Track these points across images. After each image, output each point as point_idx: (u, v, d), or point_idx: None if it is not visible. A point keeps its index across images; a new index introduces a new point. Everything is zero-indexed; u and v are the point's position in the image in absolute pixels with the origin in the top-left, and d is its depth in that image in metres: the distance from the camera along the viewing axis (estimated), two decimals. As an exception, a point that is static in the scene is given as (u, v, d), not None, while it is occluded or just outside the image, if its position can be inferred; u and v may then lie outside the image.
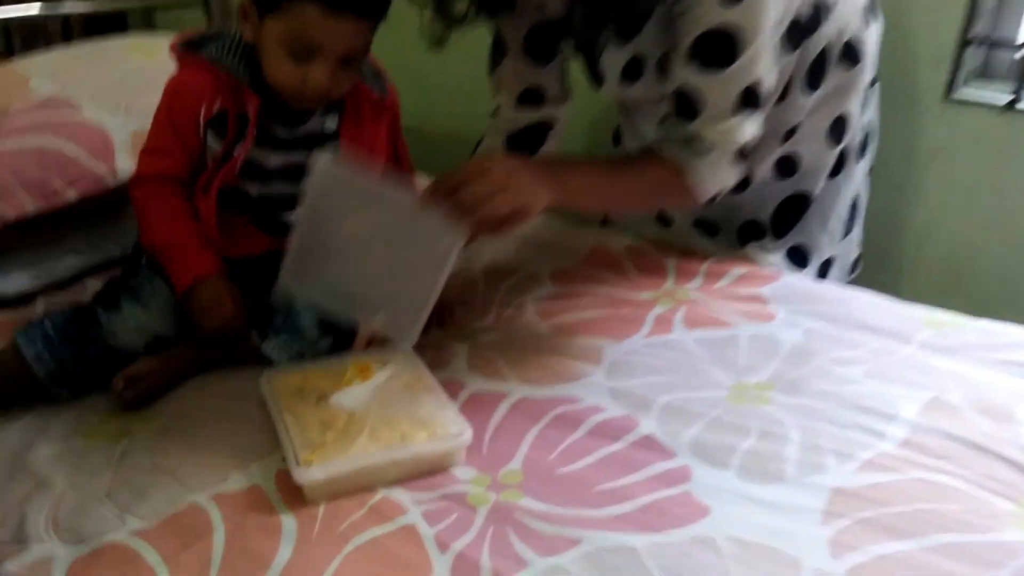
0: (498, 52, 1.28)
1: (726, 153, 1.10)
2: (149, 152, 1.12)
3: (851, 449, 0.92)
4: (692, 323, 1.18)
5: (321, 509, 0.86)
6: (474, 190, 0.92)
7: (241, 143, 1.07)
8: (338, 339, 1.14)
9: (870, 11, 1.24)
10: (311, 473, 0.86)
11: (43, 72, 1.38)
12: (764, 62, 1.06)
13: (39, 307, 1.24)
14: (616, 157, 1.13)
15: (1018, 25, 1.51)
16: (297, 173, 1.11)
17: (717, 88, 1.06)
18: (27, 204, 1.23)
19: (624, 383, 1.06)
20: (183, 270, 1.07)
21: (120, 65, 1.45)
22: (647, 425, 0.97)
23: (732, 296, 1.25)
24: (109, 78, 1.40)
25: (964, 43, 1.48)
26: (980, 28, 1.49)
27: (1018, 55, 1.49)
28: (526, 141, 1.32)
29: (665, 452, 0.93)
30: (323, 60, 1.01)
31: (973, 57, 1.53)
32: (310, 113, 1.11)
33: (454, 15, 1.15)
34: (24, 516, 0.87)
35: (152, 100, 1.34)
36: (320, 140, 1.12)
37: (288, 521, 0.85)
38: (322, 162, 0.94)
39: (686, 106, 1.08)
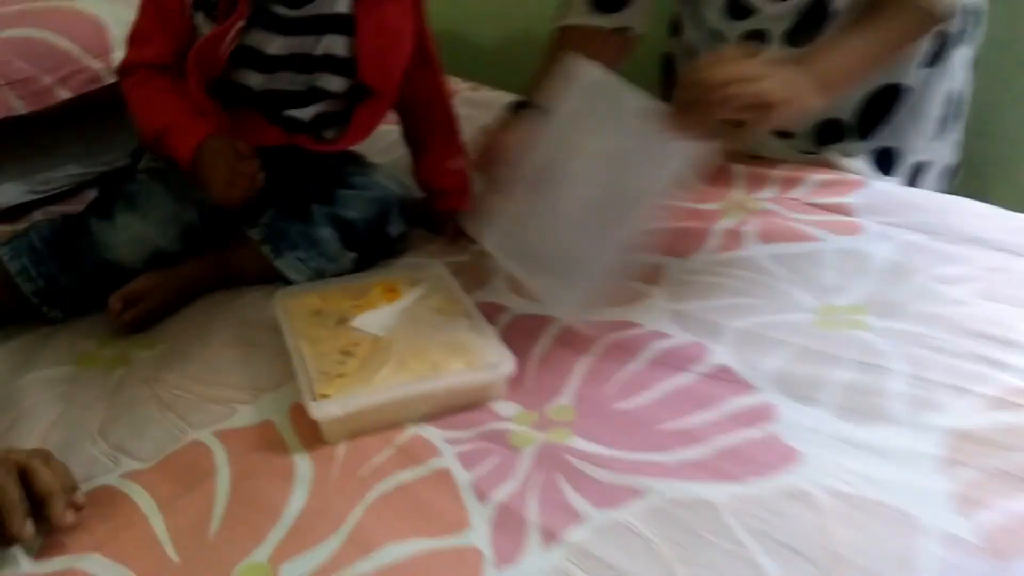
0: None
1: None
2: (135, 37, 0.98)
3: (969, 383, 0.76)
4: (767, 237, 1.02)
5: (340, 449, 0.74)
6: (730, 74, 0.78)
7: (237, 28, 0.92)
8: (363, 255, 1.00)
9: None
10: (328, 408, 0.74)
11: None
12: None
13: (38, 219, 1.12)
14: (853, 23, 0.94)
15: None
16: (303, 63, 0.97)
17: None
18: (14, 103, 1.10)
19: (690, 305, 0.91)
20: (183, 141, 0.92)
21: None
22: (720, 354, 0.83)
23: (812, 206, 1.08)
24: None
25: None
26: None
27: None
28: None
29: (743, 385, 0.79)
30: None
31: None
32: None
33: None
34: (6, 453, 0.76)
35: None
36: (330, 23, 0.96)
37: (302, 463, 0.73)
38: (586, 69, 0.78)
39: None
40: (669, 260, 1.00)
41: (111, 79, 1.16)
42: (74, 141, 1.21)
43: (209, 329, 0.91)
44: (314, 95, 1.00)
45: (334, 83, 1.00)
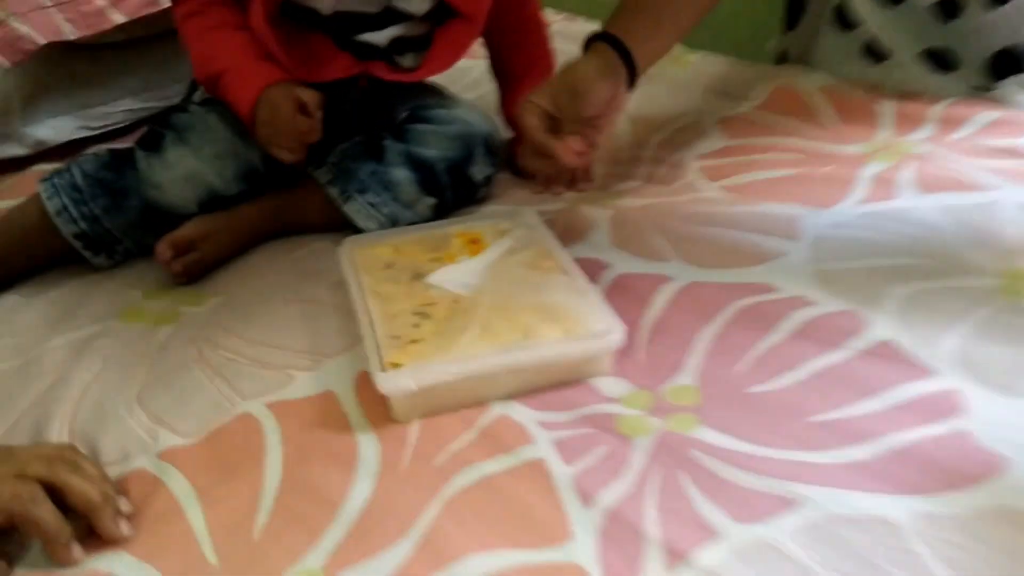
0: None
1: None
2: None
3: None
4: (927, 185, 0.84)
5: (412, 430, 0.61)
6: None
7: None
8: (443, 200, 0.87)
9: None
10: (400, 380, 0.61)
11: None
12: None
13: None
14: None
15: None
16: None
17: None
18: (63, 26, 0.99)
19: (837, 266, 0.75)
20: (242, 89, 0.80)
21: None
22: (881, 326, 0.66)
23: (982, 150, 0.89)
24: None
25: None
26: None
27: None
28: None
29: (916, 367, 0.62)
30: None
31: None
32: None
33: None
34: (38, 422, 0.66)
35: None
36: None
37: (367, 446, 0.60)
38: None
39: None
40: (806, 211, 0.83)
41: (167, 2, 1.04)
42: (131, 73, 1.10)
43: (267, 282, 0.80)
44: (391, 16, 0.86)
45: (413, 3, 0.86)
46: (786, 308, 0.70)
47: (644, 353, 0.67)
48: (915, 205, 0.82)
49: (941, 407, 0.59)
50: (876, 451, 0.56)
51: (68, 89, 1.06)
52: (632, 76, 0.79)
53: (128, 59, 1.10)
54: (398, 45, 0.88)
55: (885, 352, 0.64)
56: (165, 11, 1.05)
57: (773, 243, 0.79)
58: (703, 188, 0.90)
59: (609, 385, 0.64)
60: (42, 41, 0.98)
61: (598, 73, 0.76)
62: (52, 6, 0.98)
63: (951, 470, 0.54)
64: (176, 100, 1.11)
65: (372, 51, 0.88)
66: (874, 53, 1.06)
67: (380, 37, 0.87)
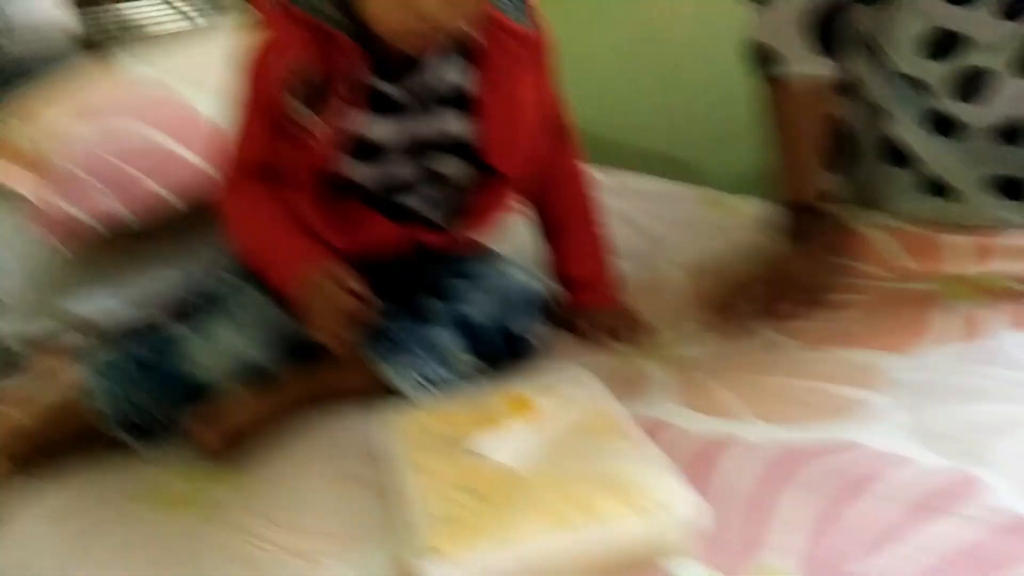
0: None
1: None
2: (235, 139, 0.84)
3: None
4: (1021, 323, 0.76)
5: (460, 631, 0.53)
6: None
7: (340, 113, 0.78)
8: (489, 363, 0.81)
9: None
10: (442, 569, 0.53)
11: (145, 60, 1.16)
12: None
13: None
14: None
15: None
16: (418, 146, 0.81)
17: None
18: (118, 209, 0.99)
19: (933, 415, 0.66)
20: (284, 265, 0.78)
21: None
22: (1000, 490, 0.57)
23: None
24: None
25: None
26: None
27: None
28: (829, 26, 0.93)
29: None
30: None
31: None
32: (425, 60, 0.80)
33: None
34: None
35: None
36: (442, 97, 0.81)
37: (408, 652, 0.52)
38: None
39: None
40: (883, 356, 0.76)
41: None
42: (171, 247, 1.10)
43: (300, 457, 0.73)
44: (433, 180, 0.85)
45: (450, 165, 0.85)
46: (880, 467, 0.62)
47: (722, 527, 0.59)
48: (1013, 344, 0.74)
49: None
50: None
51: (108, 266, 1.05)
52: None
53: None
54: (437, 209, 0.86)
55: (1013, 522, 0.55)
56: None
57: (853, 393, 0.71)
58: (769, 335, 0.84)
59: (686, 568, 0.56)
60: (94, 223, 0.98)
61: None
62: (103, 187, 0.99)
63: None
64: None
65: (412, 215, 0.86)
66: (933, 186, 1.01)
67: (418, 202, 0.85)
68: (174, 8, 1.58)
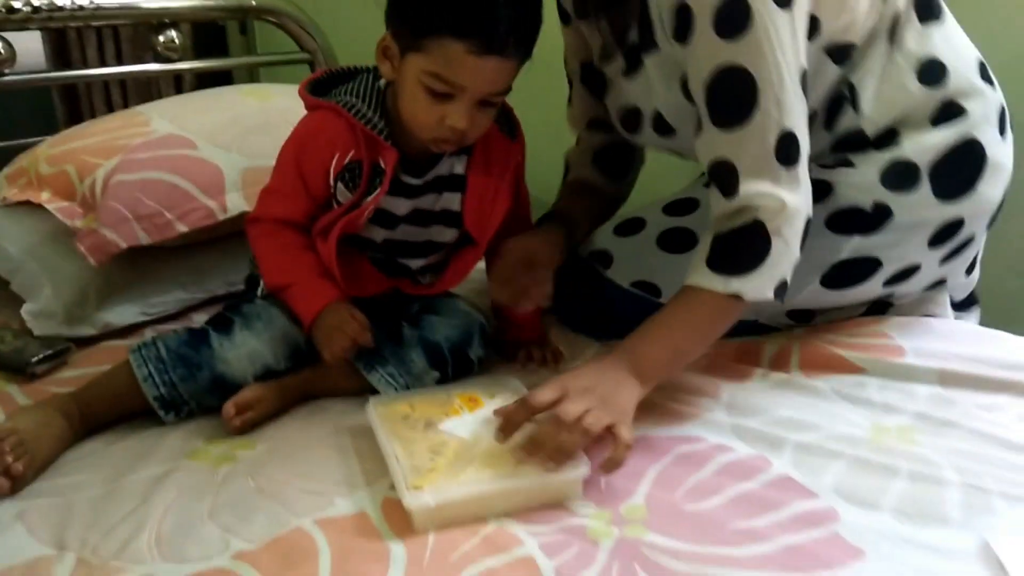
0: (570, 88, 1.28)
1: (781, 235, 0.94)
2: (271, 193, 1.09)
3: (1020, 491, 0.82)
4: (809, 366, 1.09)
5: (431, 537, 0.80)
6: (556, 439, 0.86)
7: (372, 194, 1.03)
8: (445, 375, 1.09)
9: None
10: (421, 498, 0.81)
11: (163, 114, 1.42)
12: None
13: (147, 337, 1.24)
14: (667, 309, 0.97)
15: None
16: (423, 217, 1.09)
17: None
18: (140, 234, 1.24)
19: (749, 421, 0.98)
20: (307, 304, 1.04)
21: (234, 108, 1.48)
22: (781, 465, 0.89)
23: (854, 335, 1.15)
24: (223, 119, 1.42)
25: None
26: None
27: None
28: (615, 158, 1.28)
29: (806, 492, 0.85)
30: (463, 100, 0.94)
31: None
32: (440, 157, 1.06)
33: None
34: (128, 534, 0.83)
35: (264, 140, 1.38)
36: (448, 183, 1.08)
37: (397, 548, 0.79)
38: None
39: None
40: (723, 381, 1.08)
41: (223, 216, 1.31)
42: (182, 269, 1.35)
43: (307, 432, 1.00)
44: (429, 246, 1.13)
45: (446, 234, 1.12)
46: (711, 453, 0.93)
47: (605, 483, 0.88)
48: (804, 378, 1.07)
49: (821, 517, 0.81)
50: (773, 547, 0.77)
51: (132, 282, 1.29)
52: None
53: (181, 259, 1.35)
54: (425, 267, 1.14)
55: (784, 484, 0.87)
56: (215, 225, 1.32)
57: (701, 404, 1.03)
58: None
59: (579, 506, 0.85)
60: (124, 245, 1.23)
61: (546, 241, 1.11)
62: (133, 219, 1.24)
63: (825, 559, 0.75)
64: (217, 292, 1.36)
65: (403, 270, 1.13)
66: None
67: (416, 263, 1.13)
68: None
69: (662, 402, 1.03)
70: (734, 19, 0.91)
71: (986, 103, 1.09)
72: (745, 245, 0.94)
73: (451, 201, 1.09)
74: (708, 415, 1.01)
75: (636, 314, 1.06)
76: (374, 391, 1.05)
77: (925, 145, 1.06)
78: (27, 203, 1.32)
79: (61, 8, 1.61)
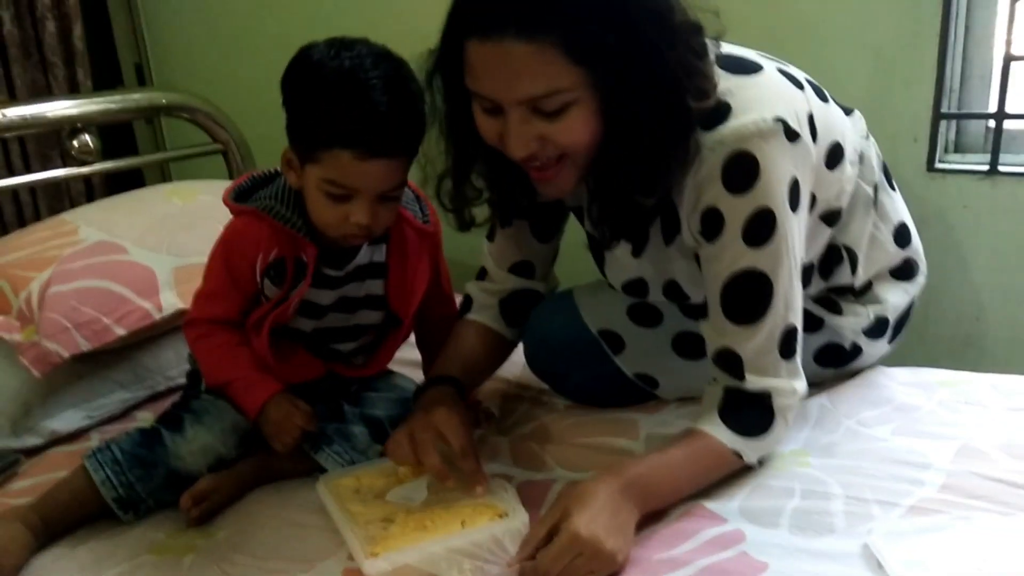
0: (502, 221, 1.21)
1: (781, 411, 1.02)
2: (205, 296, 1.15)
3: (894, 497, 0.96)
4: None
5: (391, 600, 0.89)
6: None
7: (296, 287, 1.11)
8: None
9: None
10: (378, 565, 0.89)
11: (90, 221, 1.48)
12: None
13: (93, 440, 1.30)
14: (676, 447, 1.01)
15: (985, 99, 1.63)
16: (349, 304, 1.18)
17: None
18: (81, 342, 1.29)
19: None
20: (250, 398, 1.11)
21: (159, 208, 1.55)
22: (695, 497, 1.01)
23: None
24: (150, 221, 1.49)
25: (938, 118, 1.60)
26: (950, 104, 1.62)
27: (991, 123, 1.60)
28: (523, 306, 1.27)
29: (716, 518, 0.97)
30: (362, 199, 1.03)
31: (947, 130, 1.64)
32: (358, 248, 1.15)
33: (469, 198, 1.12)
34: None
35: (192, 237, 1.47)
36: (369, 271, 1.17)
37: (361, 613, 0.87)
38: None
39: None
40: (641, 416, 1.21)
41: (159, 316, 1.37)
42: (122, 371, 1.40)
43: (263, 514, 1.07)
44: (356, 330, 1.21)
45: (371, 317, 1.20)
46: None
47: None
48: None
49: (730, 540, 0.93)
50: (692, 571, 0.88)
51: (74, 388, 1.34)
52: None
53: (120, 360, 1.40)
54: (356, 350, 1.23)
55: (697, 512, 0.98)
56: (151, 325, 1.38)
57: (621, 443, 1.14)
58: (569, 412, 1.26)
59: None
60: (66, 355, 1.28)
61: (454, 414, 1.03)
62: (73, 327, 1.29)
63: (734, 574, 0.86)
64: (158, 388, 1.42)
65: (338, 356, 1.21)
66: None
67: (347, 347, 1.21)
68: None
69: (584, 443, 1.15)
70: (762, 230, 0.97)
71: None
72: (755, 413, 1.01)
73: (374, 287, 1.18)
74: (629, 453, 1.12)
75: (624, 396, 1.20)
76: (322, 469, 1.13)
77: (894, 303, 1.22)
78: (-41, 320, 1.36)
79: (-24, 122, 1.65)
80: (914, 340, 1.57)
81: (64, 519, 1.07)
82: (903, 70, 1.60)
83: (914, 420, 1.13)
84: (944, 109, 1.61)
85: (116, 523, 1.08)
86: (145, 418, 1.35)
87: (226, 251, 1.14)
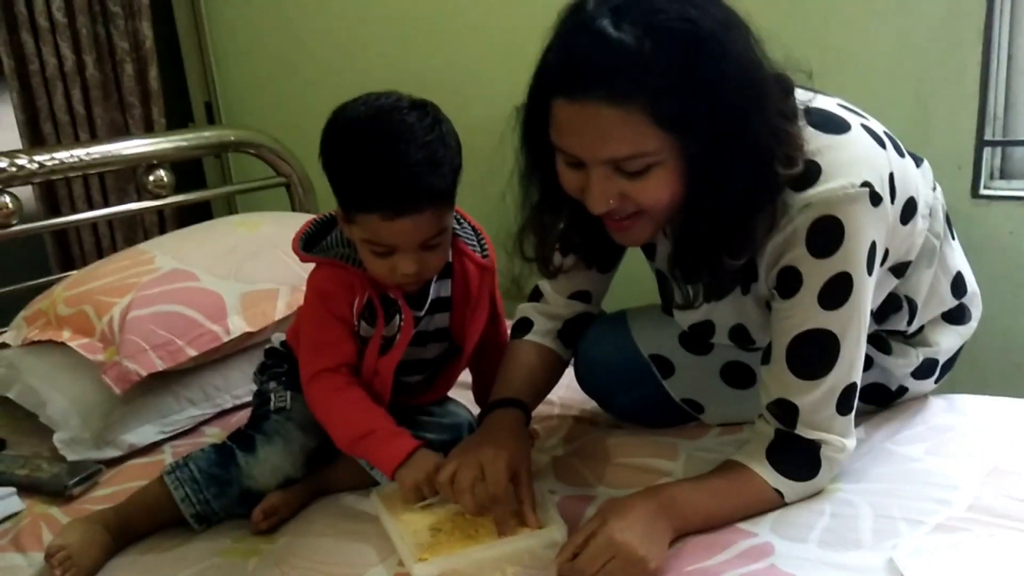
0: (566, 249, 1.18)
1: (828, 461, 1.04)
2: (318, 347, 1.16)
3: (920, 516, 0.99)
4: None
5: (438, 602, 0.95)
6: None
7: (390, 324, 1.16)
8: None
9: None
10: (427, 569, 0.96)
11: (165, 251, 1.59)
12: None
13: (166, 452, 1.40)
14: (718, 477, 1.05)
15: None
16: (421, 338, 1.22)
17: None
18: (157, 362, 1.40)
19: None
20: (388, 455, 1.11)
21: (228, 238, 1.66)
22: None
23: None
24: (219, 250, 1.60)
25: (981, 145, 1.62)
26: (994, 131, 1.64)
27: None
28: (578, 329, 1.30)
29: (747, 533, 1.01)
30: (404, 252, 1.07)
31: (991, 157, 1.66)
32: (429, 284, 1.18)
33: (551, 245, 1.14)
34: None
35: (258, 265, 1.57)
36: (437, 305, 1.21)
37: (411, 612, 0.94)
38: None
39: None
40: (680, 440, 1.25)
41: (227, 338, 1.47)
42: (193, 389, 1.50)
43: (321, 523, 1.15)
44: (423, 363, 1.25)
45: (437, 349, 1.25)
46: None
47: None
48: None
49: (760, 552, 0.97)
50: (724, 580, 0.93)
51: (150, 405, 1.44)
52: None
53: (190, 379, 1.50)
54: (421, 381, 1.29)
55: (729, 528, 1.02)
56: (220, 347, 1.48)
57: (661, 464, 1.19)
58: (612, 432, 1.31)
59: (560, 564, 1.00)
60: (144, 374, 1.38)
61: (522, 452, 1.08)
62: (150, 348, 1.40)
63: (766, 586, 0.91)
64: (225, 406, 1.52)
65: (403, 386, 1.26)
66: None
67: (414, 379, 1.28)
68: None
69: (625, 463, 1.20)
70: (838, 294, 0.98)
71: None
72: (802, 458, 1.03)
73: (441, 320, 1.24)
74: (669, 475, 1.17)
75: (668, 419, 1.23)
76: (376, 483, 1.20)
77: (945, 347, 1.21)
78: (48, 341, 1.48)
79: (62, 162, 1.79)
80: (963, 368, 1.57)
81: (140, 526, 1.16)
82: (945, 98, 1.64)
83: (947, 440, 1.15)
84: (987, 136, 1.64)
85: (184, 530, 1.17)
86: (213, 433, 1.46)
87: (322, 300, 1.16)
